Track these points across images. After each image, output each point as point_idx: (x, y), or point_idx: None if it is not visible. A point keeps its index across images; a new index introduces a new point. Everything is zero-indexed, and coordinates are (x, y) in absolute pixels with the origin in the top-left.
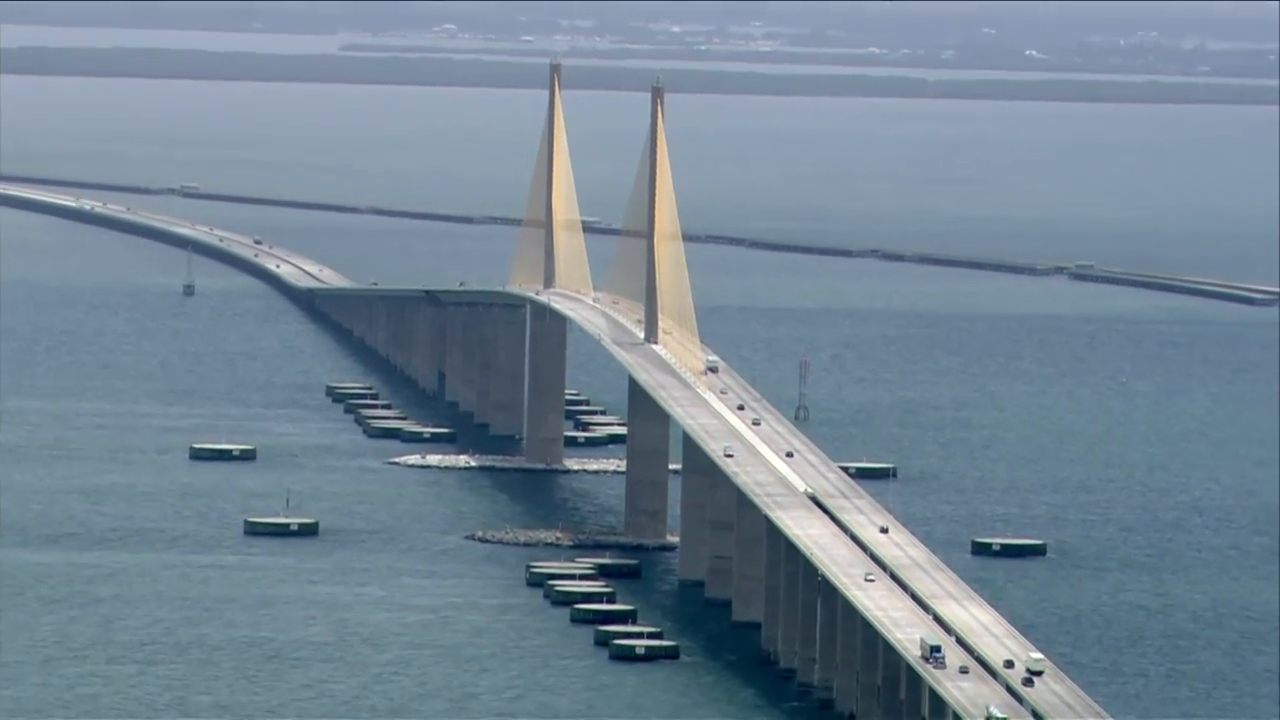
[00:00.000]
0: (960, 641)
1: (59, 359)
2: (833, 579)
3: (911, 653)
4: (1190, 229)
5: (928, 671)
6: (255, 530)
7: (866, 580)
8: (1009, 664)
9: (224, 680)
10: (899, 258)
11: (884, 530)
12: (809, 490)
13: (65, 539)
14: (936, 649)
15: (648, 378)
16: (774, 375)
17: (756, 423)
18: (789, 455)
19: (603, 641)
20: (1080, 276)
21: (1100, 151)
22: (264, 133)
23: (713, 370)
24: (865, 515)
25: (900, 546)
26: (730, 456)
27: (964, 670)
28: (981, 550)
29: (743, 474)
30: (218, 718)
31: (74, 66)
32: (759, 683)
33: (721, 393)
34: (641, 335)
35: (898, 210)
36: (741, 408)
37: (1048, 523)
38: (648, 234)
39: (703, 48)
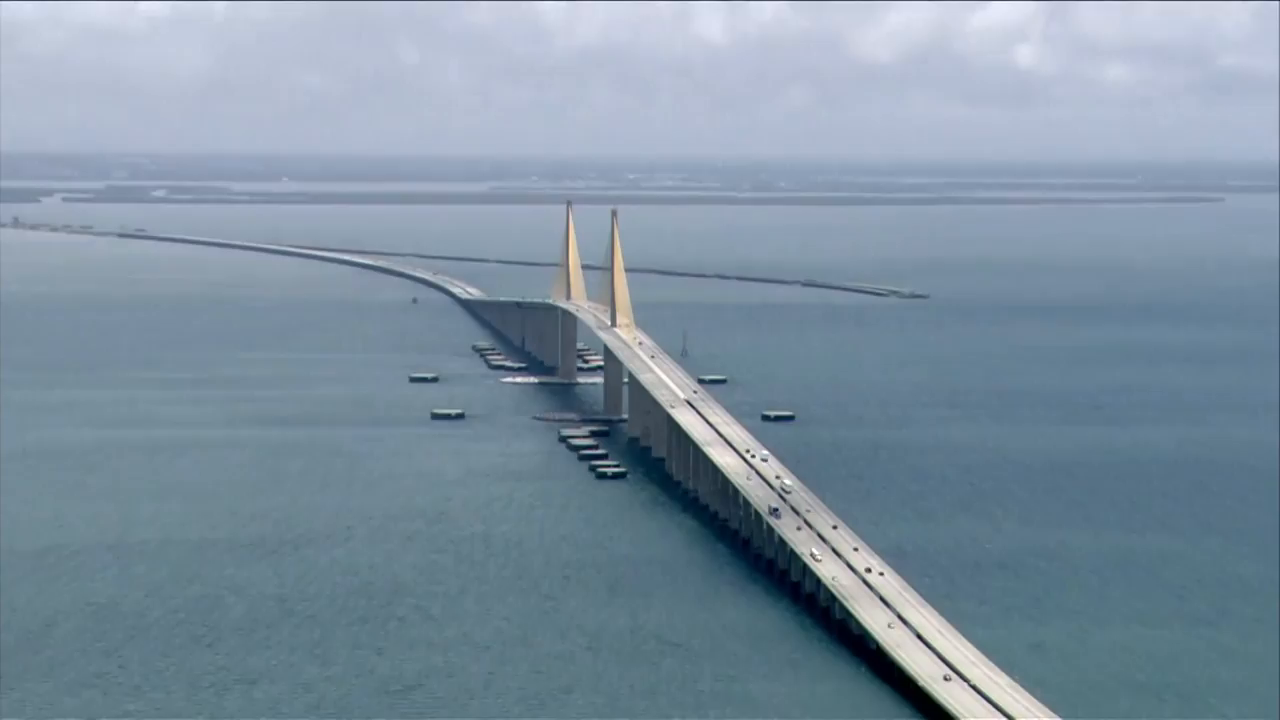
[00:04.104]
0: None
1: (339, 334)
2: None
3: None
4: None
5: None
6: (436, 416)
7: (945, 680)
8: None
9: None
10: None
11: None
12: (688, 398)
13: (302, 421)
14: None
15: (613, 340)
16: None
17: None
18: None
19: (591, 470)
20: None
21: None
22: None
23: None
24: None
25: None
26: (775, 512)
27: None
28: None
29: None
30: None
31: None
32: (663, 490)
33: (639, 344)
34: (609, 322)
35: None
36: (640, 344)
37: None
38: (610, 289)
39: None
